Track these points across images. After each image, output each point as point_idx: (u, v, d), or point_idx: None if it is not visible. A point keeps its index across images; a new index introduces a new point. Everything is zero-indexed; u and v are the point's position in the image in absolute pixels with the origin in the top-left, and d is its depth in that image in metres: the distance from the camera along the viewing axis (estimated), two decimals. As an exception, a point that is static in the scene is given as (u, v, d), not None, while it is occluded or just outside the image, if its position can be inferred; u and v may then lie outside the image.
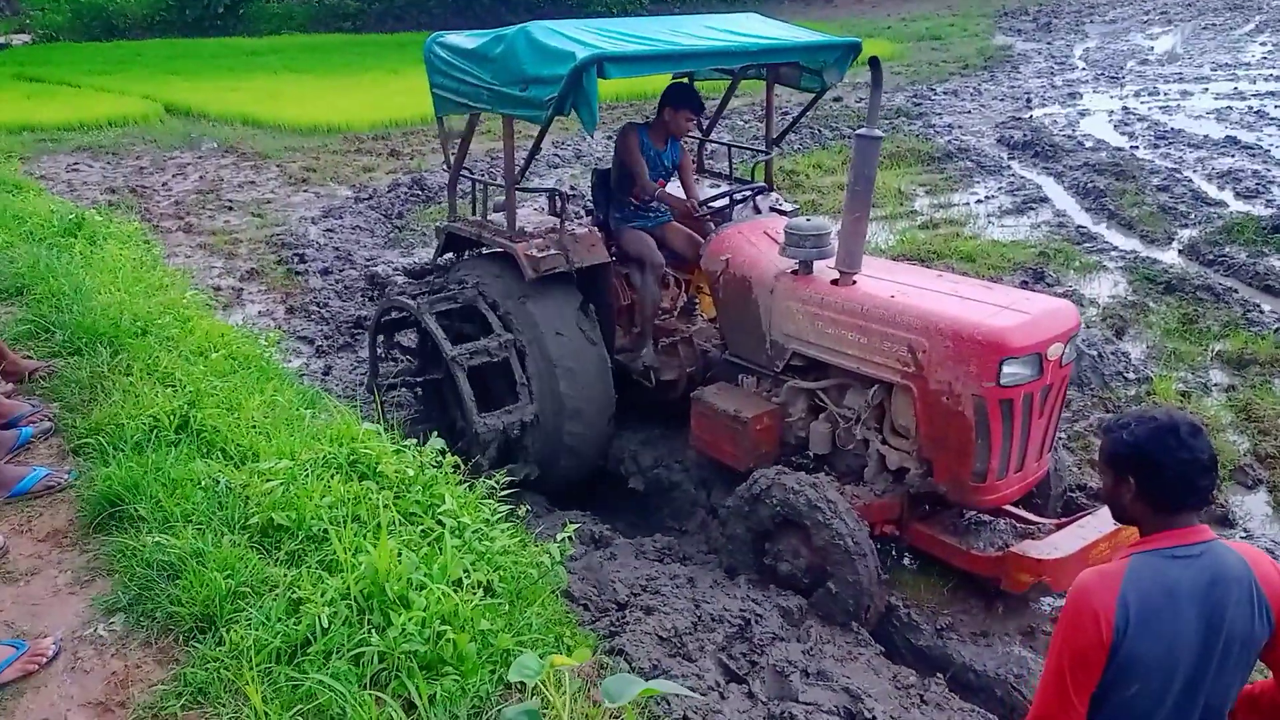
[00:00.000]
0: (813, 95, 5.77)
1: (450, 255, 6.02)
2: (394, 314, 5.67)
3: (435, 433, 4.17)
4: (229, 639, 2.85)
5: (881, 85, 4.44)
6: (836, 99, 16.25)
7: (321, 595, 2.91)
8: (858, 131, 4.34)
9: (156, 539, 3.29)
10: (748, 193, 5.71)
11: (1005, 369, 3.92)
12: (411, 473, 3.66)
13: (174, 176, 12.77)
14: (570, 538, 3.59)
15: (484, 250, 5.66)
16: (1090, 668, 2.07)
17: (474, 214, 5.73)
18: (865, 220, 4.44)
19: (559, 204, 5.52)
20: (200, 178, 12.70)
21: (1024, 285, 7.58)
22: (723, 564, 4.57)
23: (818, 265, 4.65)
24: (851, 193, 4.36)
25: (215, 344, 5.20)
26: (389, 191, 11.84)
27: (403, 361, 6.12)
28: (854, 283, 4.52)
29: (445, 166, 6.05)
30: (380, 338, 5.89)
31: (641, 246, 5.51)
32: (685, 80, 5.92)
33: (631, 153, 5.49)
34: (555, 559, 3.51)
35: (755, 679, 3.79)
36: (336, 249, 9.74)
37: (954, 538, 4.31)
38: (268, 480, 3.52)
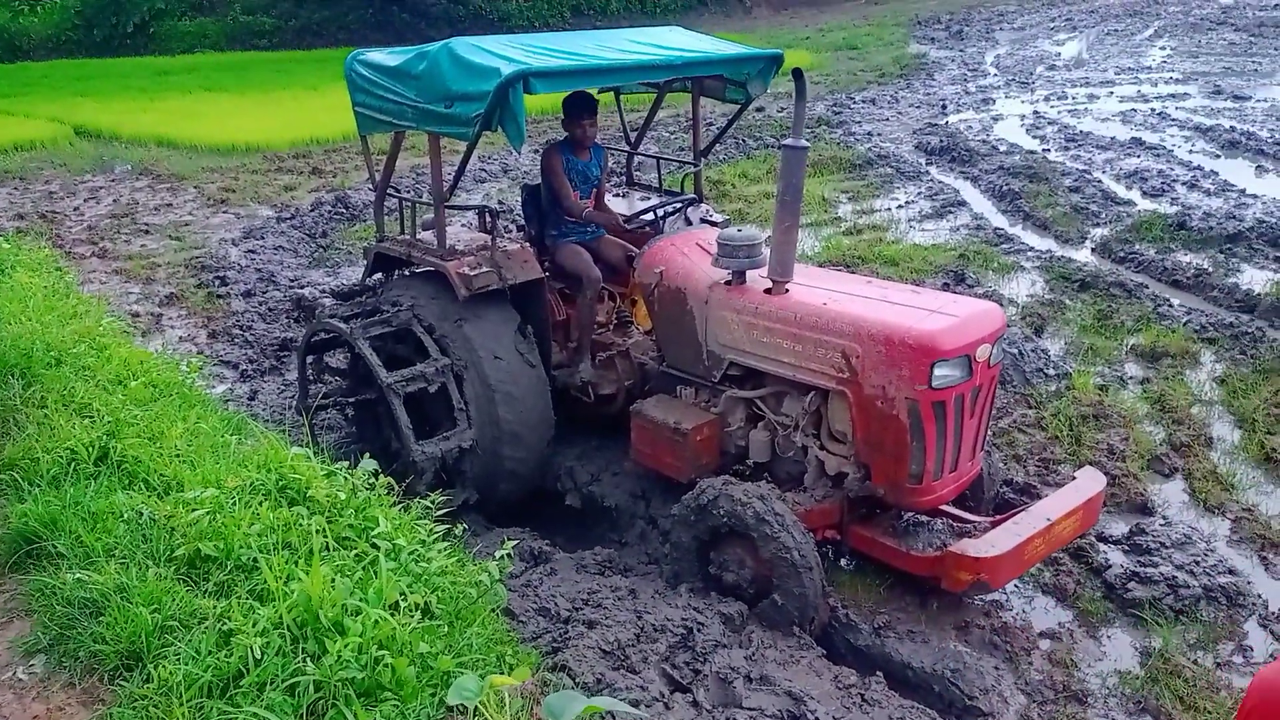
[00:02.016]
0: (738, 106, 5.83)
1: (379, 275, 5.93)
2: (324, 335, 5.57)
3: (367, 454, 4.10)
4: (157, 675, 2.76)
5: (805, 96, 4.49)
6: (759, 109, 16.46)
7: (253, 625, 2.83)
8: (784, 142, 4.40)
9: (77, 576, 3.18)
10: (678, 205, 5.74)
11: (936, 371, 4.00)
12: (343, 496, 3.59)
13: (86, 201, 12.36)
14: (509, 555, 3.55)
15: (412, 270, 5.59)
16: None
17: (402, 233, 5.65)
18: (795, 229, 4.49)
19: (489, 221, 5.48)
20: (114, 201, 12.32)
21: (945, 287, 7.76)
22: (664, 573, 4.58)
23: (751, 274, 4.69)
24: (781, 203, 4.41)
25: (134, 372, 5.05)
26: (312, 210, 11.63)
27: (332, 383, 6.01)
28: (786, 291, 4.56)
29: (370, 185, 5.97)
30: (309, 359, 5.78)
31: (578, 262, 5.48)
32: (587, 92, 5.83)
33: (556, 175, 5.48)
34: (494, 577, 3.48)
35: (699, 687, 3.80)
36: (259, 270, 9.53)
37: (893, 539, 4.39)
38: (193, 510, 3.41)
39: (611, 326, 5.85)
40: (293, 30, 30.27)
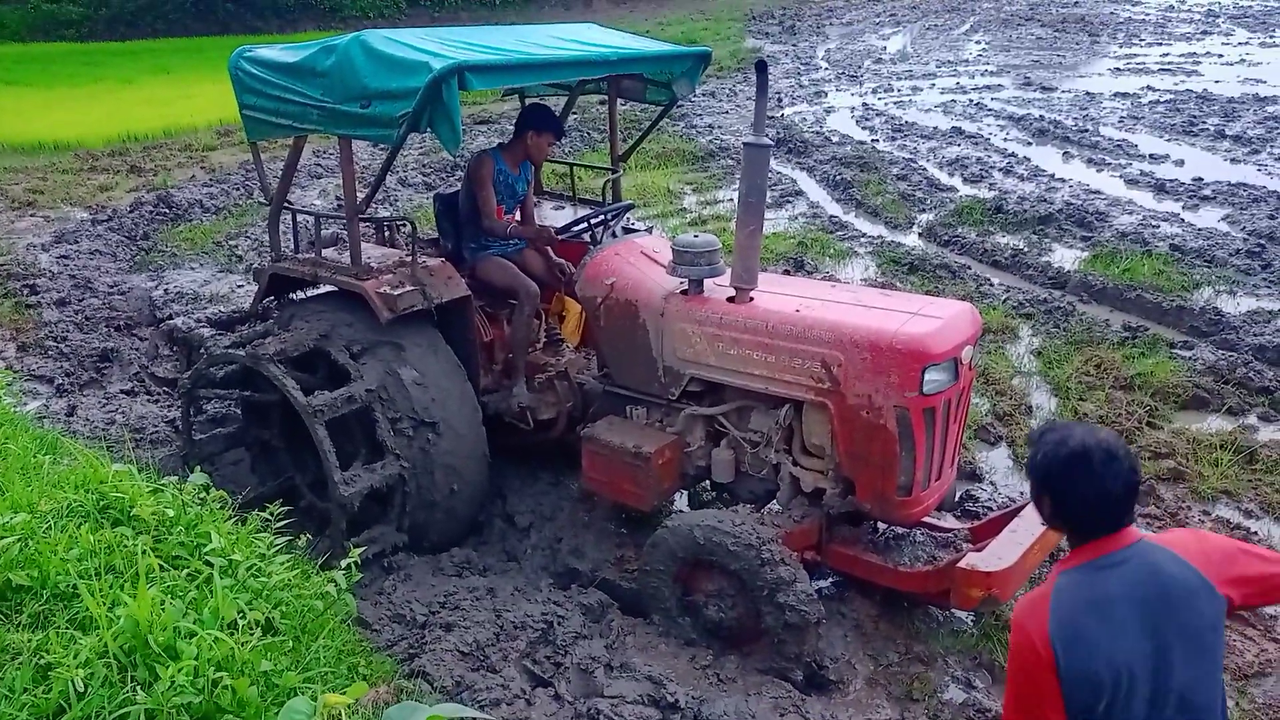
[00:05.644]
0: (661, 108, 5.56)
1: (270, 300, 5.38)
2: (212, 372, 5.03)
3: (275, 501, 3.78)
4: (-36, 721, 2.53)
5: (767, 90, 4.16)
6: (602, 104, 16.50)
7: (75, 657, 2.63)
8: (745, 140, 4.12)
9: None
10: (617, 211, 5.29)
11: (928, 376, 3.80)
12: (172, 513, 3.38)
13: None
14: (356, 563, 3.44)
15: (307, 292, 5.15)
16: (1044, 693, 2.01)
17: (297, 250, 5.14)
18: (760, 233, 4.21)
19: (388, 233, 5.11)
20: (-100, 206, 11.24)
21: (786, 273, 8.00)
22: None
23: (708, 283, 4.43)
24: (744, 205, 4.14)
25: (-72, 392, 4.61)
26: (131, 211, 10.94)
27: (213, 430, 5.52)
28: (751, 299, 4.29)
29: (263, 198, 5.44)
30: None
31: (507, 275, 5.10)
32: (540, 100, 5.47)
33: (484, 185, 5.09)
34: (342, 587, 3.36)
35: (561, 680, 3.81)
36: (73, 277, 8.88)
37: (877, 556, 4.18)
38: (1, 538, 3.14)
39: (540, 345, 5.44)
40: (103, 20, 28.33)
